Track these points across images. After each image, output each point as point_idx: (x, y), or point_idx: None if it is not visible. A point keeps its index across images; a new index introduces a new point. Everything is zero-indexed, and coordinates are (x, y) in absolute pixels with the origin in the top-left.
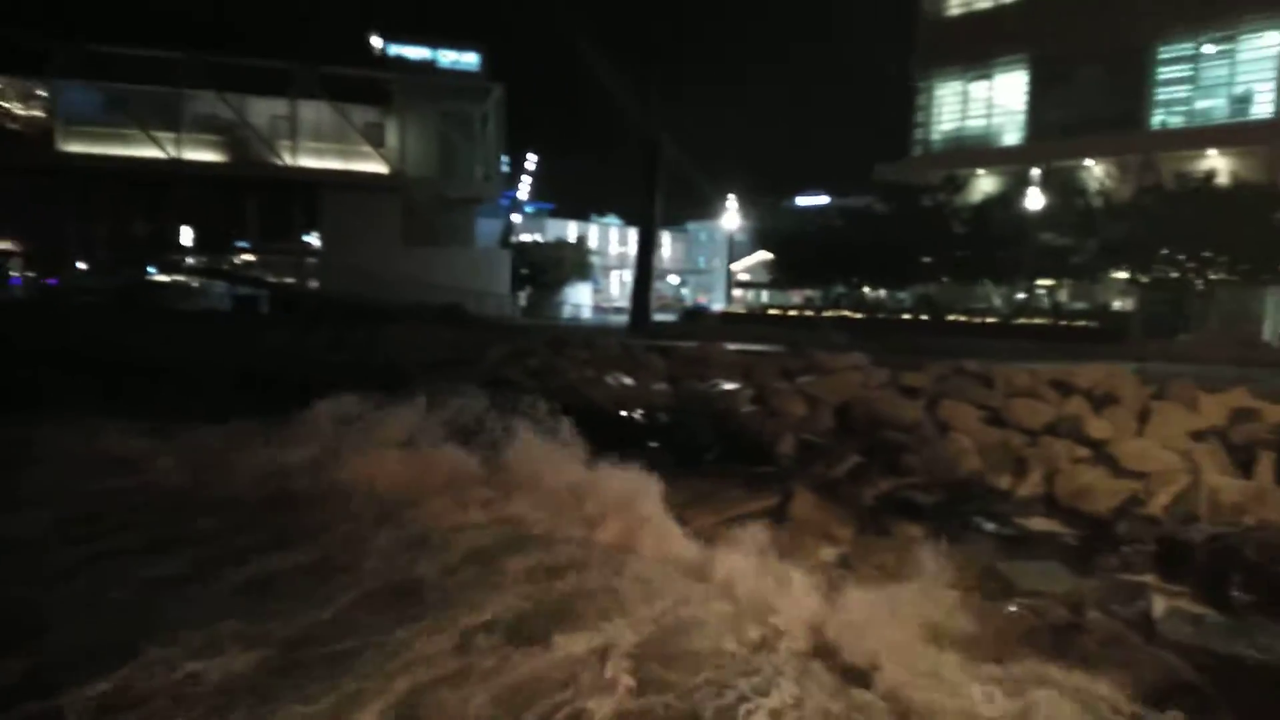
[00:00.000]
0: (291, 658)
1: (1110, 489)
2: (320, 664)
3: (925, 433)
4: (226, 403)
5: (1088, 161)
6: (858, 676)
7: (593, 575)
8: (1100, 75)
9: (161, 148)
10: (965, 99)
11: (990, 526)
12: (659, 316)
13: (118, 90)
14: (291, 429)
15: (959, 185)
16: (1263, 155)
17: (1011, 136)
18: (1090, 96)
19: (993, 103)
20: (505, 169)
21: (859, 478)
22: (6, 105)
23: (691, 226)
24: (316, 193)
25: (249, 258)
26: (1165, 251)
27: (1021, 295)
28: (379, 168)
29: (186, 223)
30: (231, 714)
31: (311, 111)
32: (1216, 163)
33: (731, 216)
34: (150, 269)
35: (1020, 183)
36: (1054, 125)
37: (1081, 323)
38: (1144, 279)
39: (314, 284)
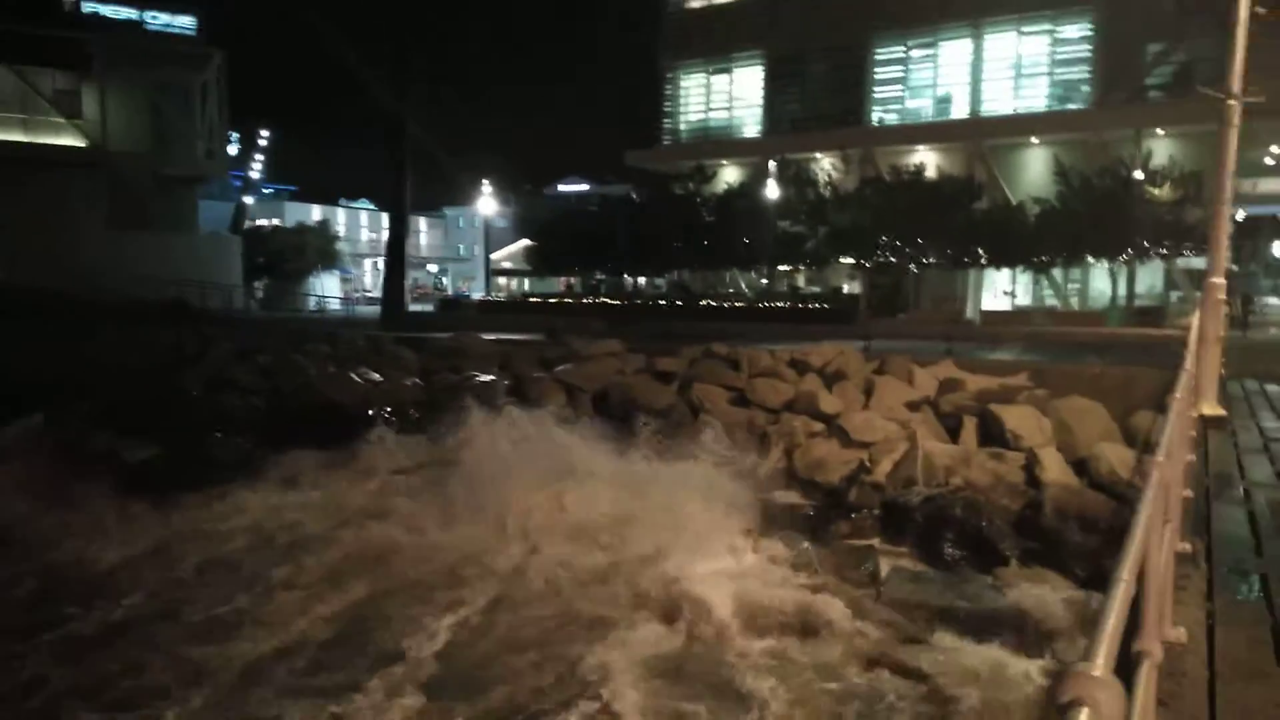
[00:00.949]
0: None
1: (841, 459)
2: None
3: (678, 415)
4: None
5: (817, 154)
6: None
7: None
8: (826, 73)
9: None
10: (709, 91)
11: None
12: (415, 307)
13: None
14: None
15: (707, 175)
16: (961, 151)
17: (751, 129)
18: (818, 93)
19: (734, 96)
20: (235, 146)
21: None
22: None
23: (450, 213)
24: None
25: None
26: (884, 239)
27: (764, 280)
28: (74, 141)
29: None
30: None
31: None
32: (925, 157)
33: (487, 202)
34: None
35: (760, 174)
36: (787, 119)
37: (817, 305)
38: (867, 264)
39: None
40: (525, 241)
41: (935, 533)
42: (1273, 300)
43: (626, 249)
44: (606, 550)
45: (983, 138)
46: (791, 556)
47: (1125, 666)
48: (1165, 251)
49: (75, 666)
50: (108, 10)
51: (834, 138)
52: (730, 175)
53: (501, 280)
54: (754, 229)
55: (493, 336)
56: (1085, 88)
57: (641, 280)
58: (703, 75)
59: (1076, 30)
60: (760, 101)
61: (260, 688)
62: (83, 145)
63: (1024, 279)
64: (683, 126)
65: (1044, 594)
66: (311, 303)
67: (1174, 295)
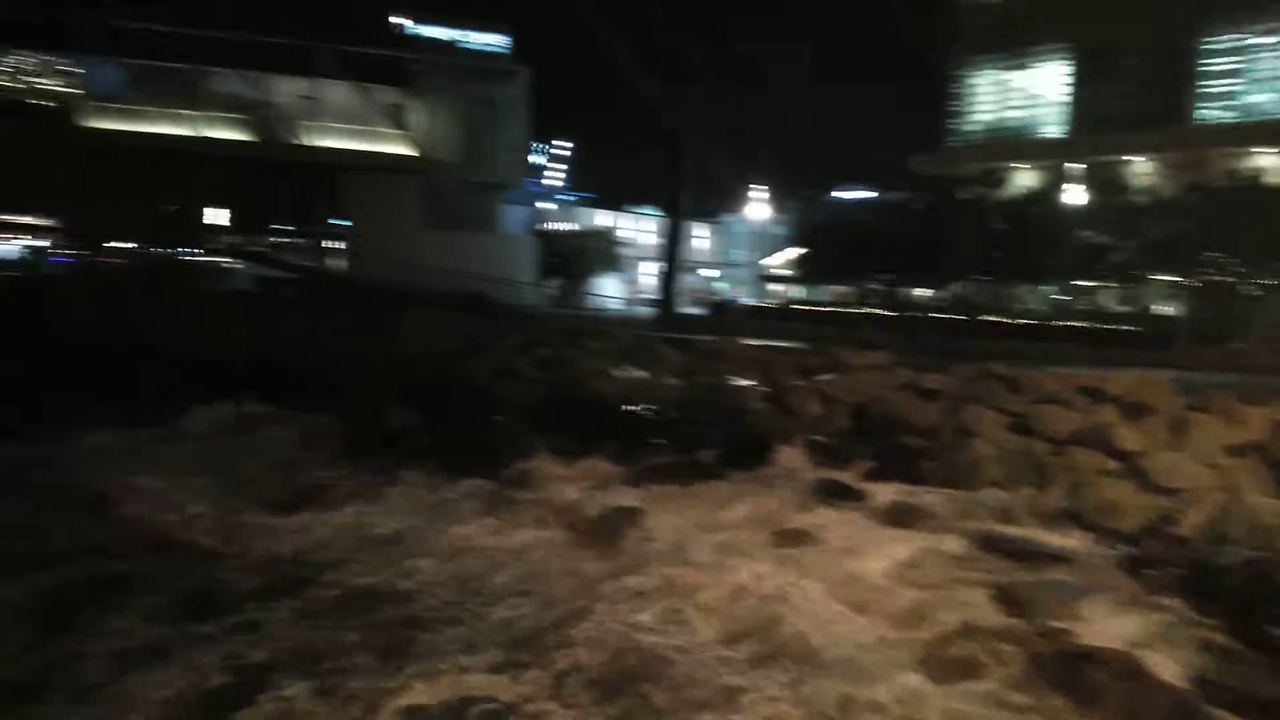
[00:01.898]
0: None
1: (1138, 505)
2: None
3: (943, 438)
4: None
5: (1128, 156)
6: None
7: None
8: (1144, 66)
9: (185, 126)
10: (1003, 88)
11: (1008, 540)
12: (689, 310)
13: (142, 67)
14: None
15: (997, 179)
16: None
17: (1050, 129)
18: (1134, 89)
19: (1032, 93)
20: (538, 155)
21: (869, 482)
22: (30, 79)
23: (727, 219)
24: (340, 175)
25: (283, 240)
26: (1212, 253)
27: (1060, 296)
28: (403, 149)
29: (218, 204)
30: None
31: (334, 92)
32: (1268, 160)
33: (759, 209)
34: (184, 248)
35: (1059, 178)
36: (1093, 118)
37: (1123, 328)
38: (1189, 282)
39: (339, 267)
40: (799, 248)
41: (1256, 605)
42: None
43: (904, 258)
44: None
45: None
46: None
47: None
48: None
49: (363, 619)
50: (432, 30)
51: (1150, 138)
52: (1024, 179)
53: (774, 286)
54: (1050, 238)
55: (757, 342)
56: None
57: (920, 291)
58: (997, 71)
59: None
60: (1062, 99)
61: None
62: (409, 153)
63: None
64: (972, 127)
65: None
66: (595, 301)
67: None
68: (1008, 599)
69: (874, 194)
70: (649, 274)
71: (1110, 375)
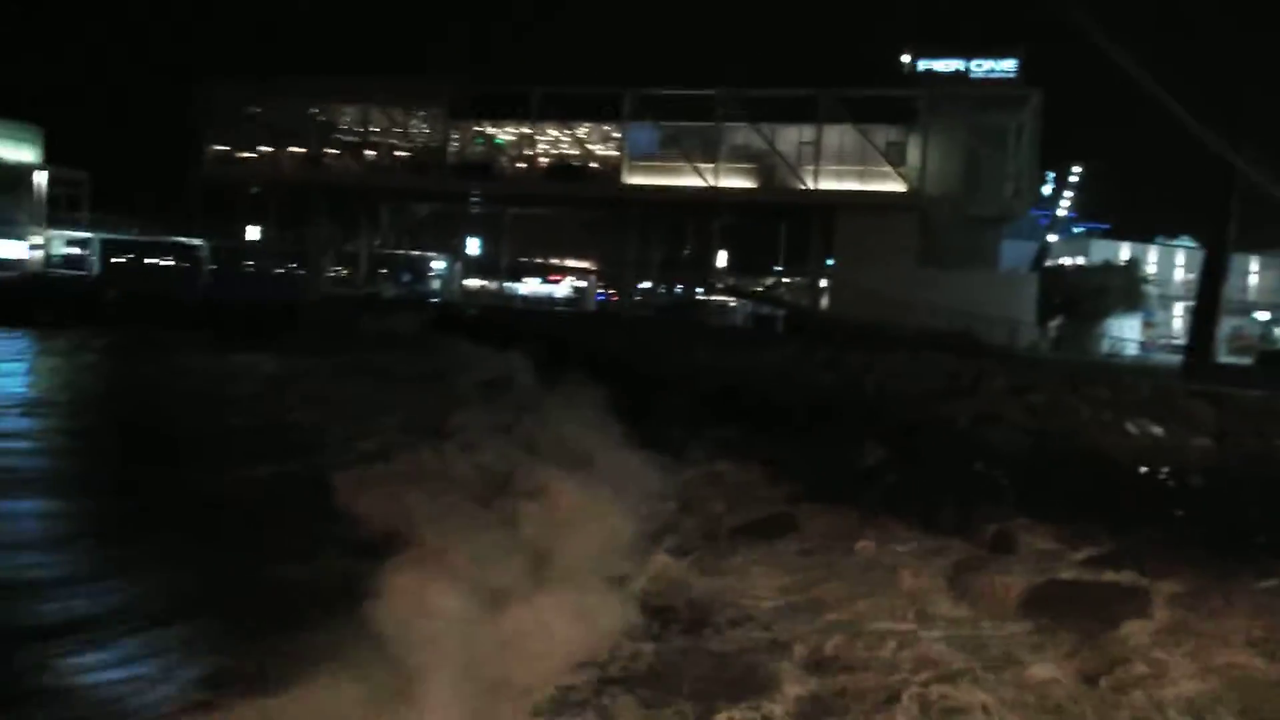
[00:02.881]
0: None
1: None
2: None
3: None
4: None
5: None
6: None
7: None
8: None
9: (703, 177)
10: None
11: None
12: (1229, 359)
13: (670, 128)
14: None
15: None
16: None
17: None
18: None
19: None
20: (1049, 186)
21: None
22: (591, 147)
23: None
24: (833, 215)
25: (781, 280)
26: None
27: None
28: (896, 186)
29: (723, 247)
30: None
31: (835, 135)
32: None
33: None
34: (694, 288)
35: None
36: None
37: None
38: None
39: (824, 305)
40: None
41: None
42: None
43: None
44: None
45: None
46: None
47: None
48: None
49: None
50: (938, 63)
51: None
52: None
53: None
54: None
55: None
56: None
57: None
58: None
59: None
60: None
61: None
62: (902, 190)
63: None
64: None
65: None
66: (1105, 345)
67: None
68: None
69: None
70: (1179, 316)
71: None
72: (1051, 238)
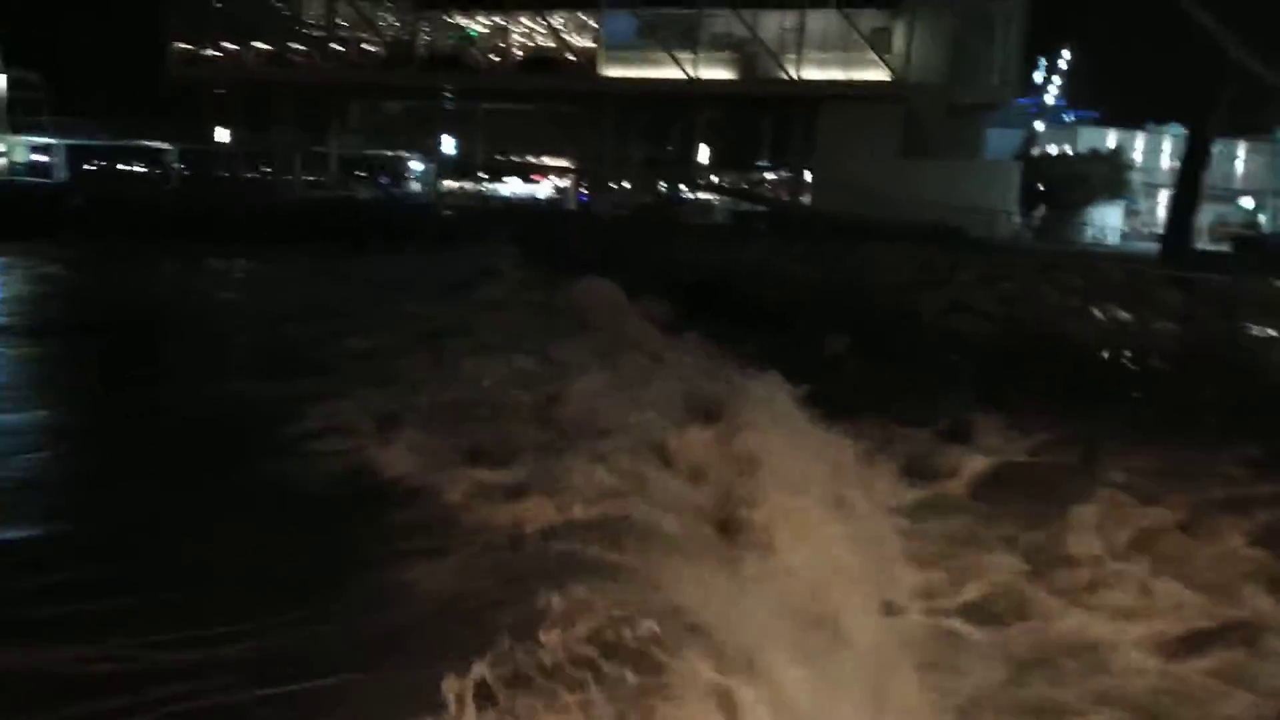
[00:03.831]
0: None
1: None
2: None
3: None
4: None
5: None
6: None
7: None
8: None
9: (683, 68)
10: None
11: None
12: (1213, 247)
13: (648, 15)
14: None
15: None
16: None
17: None
18: None
19: None
20: (1039, 73)
21: None
22: (566, 38)
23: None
24: (817, 107)
25: (765, 175)
26: None
27: None
28: (881, 75)
29: (705, 143)
30: None
31: (818, 20)
32: None
33: None
34: (674, 187)
35: None
36: None
37: None
38: None
39: (806, 200)
40: None
41: None
42: None
43: None
44: None
45: None
46: None
47: None
48: None
49: None
50: None
51: None
52: None
53: None
54: None
55: None
56: None
57: None
58: None
59: None
60: None
61: None
62: (886, 78)
63: None
64: None
65: None
66: (1088, 234)
67: None
68: None
69: None
70: (1159, 203)
71: None
72: (1039, 126)
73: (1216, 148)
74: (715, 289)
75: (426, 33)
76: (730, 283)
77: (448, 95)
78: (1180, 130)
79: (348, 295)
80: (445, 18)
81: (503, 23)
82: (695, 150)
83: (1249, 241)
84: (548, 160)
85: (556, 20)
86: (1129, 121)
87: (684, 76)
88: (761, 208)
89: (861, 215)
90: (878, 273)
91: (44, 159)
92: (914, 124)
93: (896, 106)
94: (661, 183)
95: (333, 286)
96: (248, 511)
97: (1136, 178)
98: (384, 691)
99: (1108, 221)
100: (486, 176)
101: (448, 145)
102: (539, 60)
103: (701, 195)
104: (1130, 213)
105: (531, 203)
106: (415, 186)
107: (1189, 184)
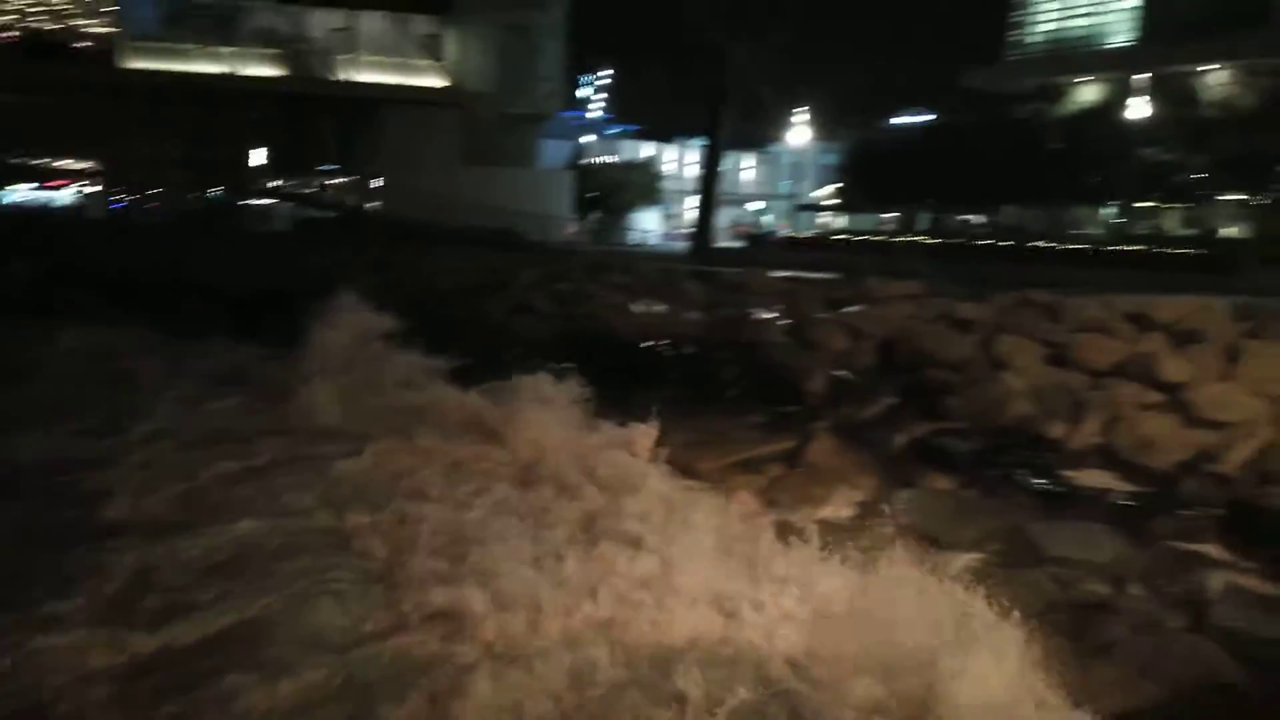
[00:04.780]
0: None
1: (1179, 440)
2: None
3: (974, 372)
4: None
5: (1204, 66)
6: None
7: None
8: None
9: (222, 63)
10: None
11: (1033, 480)
12: (730, 244)
13: (175, 3)
14: None
15: (1055, 95)
16: None
17: (1119, 37)
18: None
19: None
20: (586, 89)
21: (891, 421)
22: (71, 21)
23: (776, 149)
24: (376, 110)
25: (331, 181)
26: None
27: (1118, 219)
28: (437, 81)
29: (261, 145)
30: None
31: (370, 22)
32: None
33: (807, 137)
34: (226, 191)
35: (1123, 92)
36: (1168, 22)
37: (1184, 251)
38: (1261, 199)
39: (377, 206)
40: (846, 177)
41: None
42: None
43: (953, 183)
44: None
45: None
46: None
47: None
48: None
49: None
50: None
51: (1230, 44)
52: (1086, 94)
53: (822, 217)
54: (1110, 158)
55: (788, 274)
56: None
57: (968, 218)
58: None
59: None
60: (1132, 3)
61: None
62: (444, 85)
63: None
64: (1032, 38)
65: None
66: (633, 236)
67: None
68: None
69: (928, 117)
70: (691, 208)
71: (1162, 302)
72: (589, 138)
73: (729, 159)
74: (278, 300)
75: None
76: (292, 293)
77: None
78: (704, 143)
79: None
80: None
81: None
82: (248, 153)
83: (755, 237)
84: (72, 164)
85: (67, 3)
86: (664, 135)
87: (221, 71)
88: (330, 213)
89: (430, 221)
90: (448, 277)
91: None
92: (473, 132)
93: (455, 113)
94: (211, 188)
95: None
96: None
97: (669, 185)
98: None
99: (649, 224)
100: None
101: None
102: (42, 46)
103: (258, 201)
104: (667, 216)
105: (46, 212)
106: None
107: (708, 191)
